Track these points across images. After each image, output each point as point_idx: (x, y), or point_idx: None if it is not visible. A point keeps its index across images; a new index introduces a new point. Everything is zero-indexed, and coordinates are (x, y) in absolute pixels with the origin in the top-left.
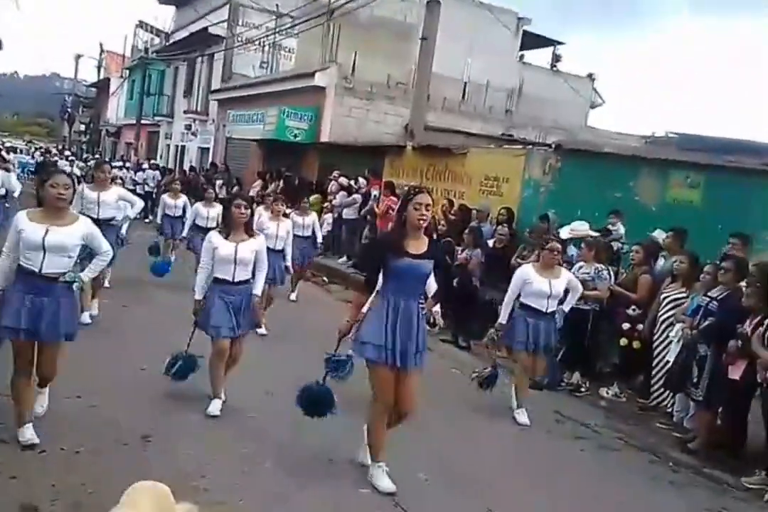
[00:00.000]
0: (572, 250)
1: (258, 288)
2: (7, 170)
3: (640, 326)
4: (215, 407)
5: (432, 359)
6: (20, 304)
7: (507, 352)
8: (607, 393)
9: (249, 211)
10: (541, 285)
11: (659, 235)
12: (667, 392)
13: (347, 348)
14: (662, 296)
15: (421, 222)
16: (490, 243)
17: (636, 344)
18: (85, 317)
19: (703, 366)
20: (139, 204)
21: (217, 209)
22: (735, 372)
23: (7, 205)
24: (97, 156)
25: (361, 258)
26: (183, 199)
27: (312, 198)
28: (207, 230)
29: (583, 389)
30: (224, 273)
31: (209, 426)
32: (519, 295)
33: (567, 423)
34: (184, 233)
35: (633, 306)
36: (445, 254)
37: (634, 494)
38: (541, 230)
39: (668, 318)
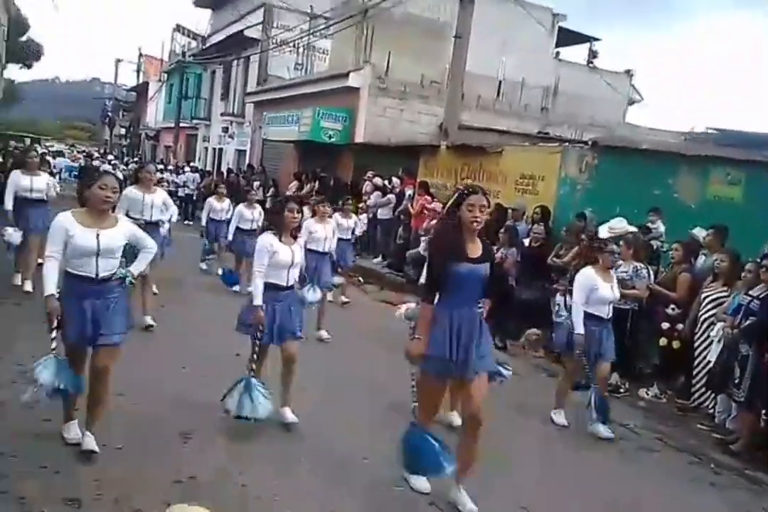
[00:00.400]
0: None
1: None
2: (52, 174)
3: (680, 326)
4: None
5: None
6: (82, 314)
7: (544, 353)
8: (647, 393)
9: (301, 215)
10: (605, 292)
11: (699, 232)
12: (709, 393)
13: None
14: (703, 295)
15: (475, 224)
16: (526, 242)
17: (676, 344)
18: (148, 319)
19: (745, 366)
20: (175, 211)
21: (259, 210)
22: None
23: (49, 208)
24: (136, 159)
25: (425, 265)
26: (227, 202)
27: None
28: (249, 232)
29: (622, 390)
30: (277, 278)
31: (247, 425)
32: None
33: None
34: (230, 236)
35: (672, 306)
36: None
37: (673, 495)
38: (577, 228)
39: (709, 317)
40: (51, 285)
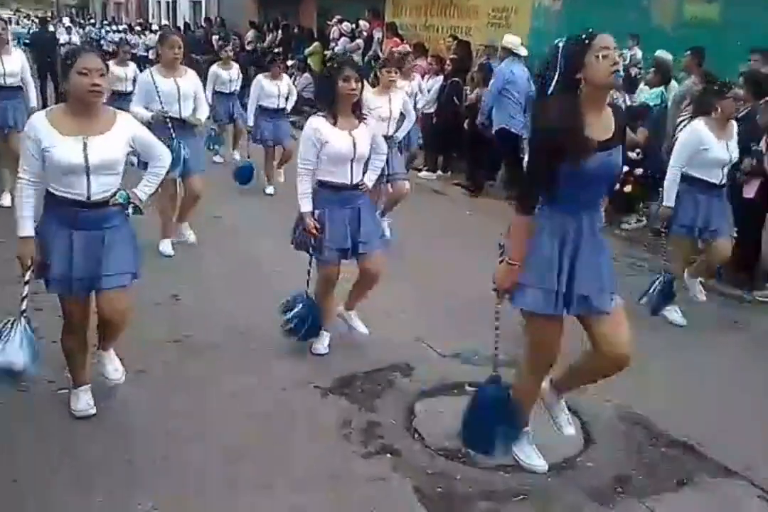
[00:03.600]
0: None
1: (371, 179)
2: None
3: (639, 170)
4: (322, 344)
5: (442, 203)
6: (69, 247)
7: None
8: (628, 223)
9: (360, 84)
10: (719, 152)
11: (664, 55)
12: None
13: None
14: (679, 119)
15: (613, 77)
16: None
17: (627, 188)
18: (167, 247)
19: None
20: (205, 106)
21: (286, 82)
22: (749, 191)
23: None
24: (107, 21)
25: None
26: (236, 69)
27: (312, 46)
28: (274, 112)
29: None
30: (336, 175)
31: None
32: None
33: None
34: (250, 121)
35: (637, 150)
36: (454, 96)
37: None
38: None
39: None
40: (26, 222)
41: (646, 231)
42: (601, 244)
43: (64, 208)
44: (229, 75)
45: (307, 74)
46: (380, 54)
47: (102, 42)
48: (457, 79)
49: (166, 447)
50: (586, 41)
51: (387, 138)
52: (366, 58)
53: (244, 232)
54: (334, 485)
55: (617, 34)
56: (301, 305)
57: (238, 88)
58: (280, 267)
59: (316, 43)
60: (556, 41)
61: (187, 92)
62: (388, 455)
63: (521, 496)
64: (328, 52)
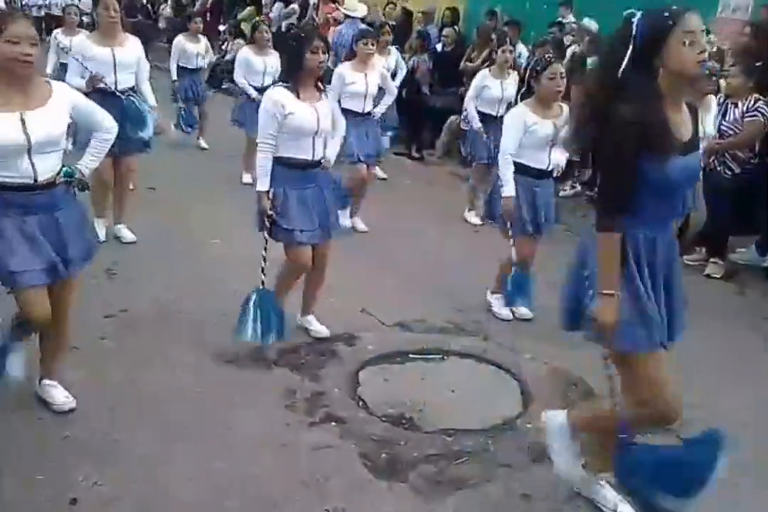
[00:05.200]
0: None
1: (332, 155)
2: None
3: None
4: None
5: (386, 171)
6: (23, 235)
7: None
8: (564, 189)
9: (327, 55)
10: (542, 131)
11: (588, 23)
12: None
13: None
14: None
15: (700, 68)
16: (438, 47)
17: None
18: (123, 229)
19: None
20: (148, 86)
21: (275, 57)
22: None
23: None
24: None
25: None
26: (204, 42)
27: (245, 11)
28: (260, 93)
29: None
30: (299, 150)
31: (169, 255)
32: None
33: None
34: (250, 89)
35: None
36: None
37: None
38: (488, 28)
39: None
40: None
41: (581, 198)
42: (679, 266)
43: (10, 194)
44: (196, 49)
45: (239, 40)
46: (316, 19)
47: (24, 6)
48: (396, 46)
49: (107, 423)
50: (670, 22)
51: (364, 115)
52: (302, 25)
53: (180, 204)
54: (283, 454)
55: (550, 3)
56: (253, 305)
57: (205, 64)
58: (217, 239)
59: (249, 8)
60: (626, 13)
61: (125, 62)
62: (334, 423)
63: (463, 458)
64: (262, 17)
